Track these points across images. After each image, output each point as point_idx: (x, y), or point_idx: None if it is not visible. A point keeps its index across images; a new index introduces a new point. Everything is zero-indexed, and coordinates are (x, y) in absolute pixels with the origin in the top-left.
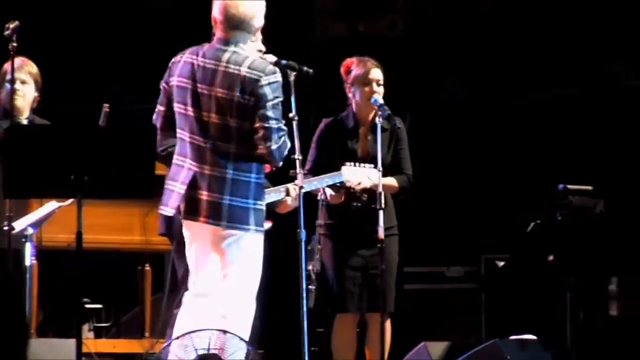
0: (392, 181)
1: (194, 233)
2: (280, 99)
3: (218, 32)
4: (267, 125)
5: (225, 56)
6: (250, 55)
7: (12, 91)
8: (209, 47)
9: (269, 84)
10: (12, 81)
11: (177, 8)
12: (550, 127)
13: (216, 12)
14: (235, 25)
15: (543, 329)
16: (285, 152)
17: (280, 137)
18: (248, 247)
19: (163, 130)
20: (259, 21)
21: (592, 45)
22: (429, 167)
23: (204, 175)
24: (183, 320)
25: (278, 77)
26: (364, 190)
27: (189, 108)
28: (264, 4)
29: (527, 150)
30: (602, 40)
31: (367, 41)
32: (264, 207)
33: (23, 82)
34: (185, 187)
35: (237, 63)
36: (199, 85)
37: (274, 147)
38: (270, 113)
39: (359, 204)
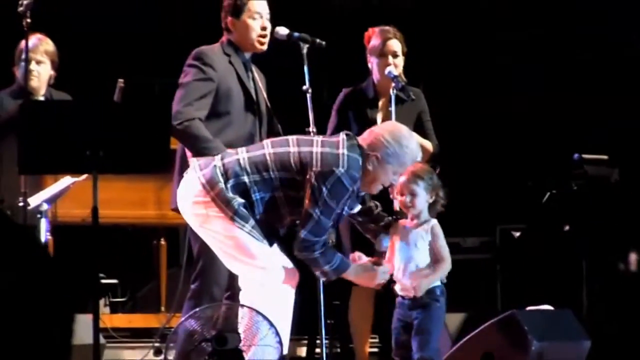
0: (427, 144)
1: None
2: None
3: None
4: None
5: None
6: None
7: (27, 71)
8: None
9: None
10: (27, 61)
11: None
12: (564, 97)
13: None
14: None
15: (559, 299)
16: None
17: None
18: None
19: None
20: None
21: None
22: (443, 138)
23: None
24: None
25: None
26: None
27: None
28: None
29: (541, 119)
30: None
31: (380, 12)
32: None
33: (39, 62)
34: None
35: None
36: None
37: None
38: None
39: None
